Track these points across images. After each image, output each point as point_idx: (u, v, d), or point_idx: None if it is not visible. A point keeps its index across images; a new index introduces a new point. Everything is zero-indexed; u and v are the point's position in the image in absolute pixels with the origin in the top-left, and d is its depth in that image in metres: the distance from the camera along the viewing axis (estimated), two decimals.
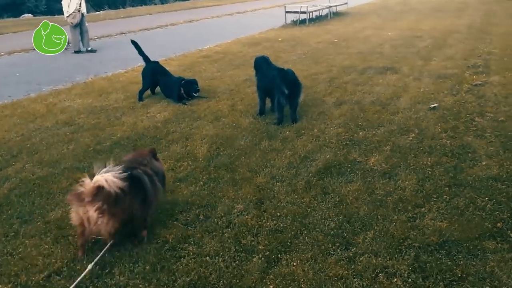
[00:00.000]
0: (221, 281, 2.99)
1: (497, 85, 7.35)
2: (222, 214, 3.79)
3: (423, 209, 3.76)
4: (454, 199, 3.88)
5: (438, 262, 3.07)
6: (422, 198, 3.93)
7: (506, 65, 8.69)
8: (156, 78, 7.52)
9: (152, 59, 7.73)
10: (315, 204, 3.89)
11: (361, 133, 5.53)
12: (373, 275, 2.97)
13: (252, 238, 3.43)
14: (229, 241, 3.41)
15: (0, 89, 8.64)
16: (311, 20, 17.88)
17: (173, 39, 14.86)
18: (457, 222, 3.53)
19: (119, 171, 3.04)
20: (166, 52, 11.82)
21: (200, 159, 4.93)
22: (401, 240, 3.33)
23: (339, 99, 6.98)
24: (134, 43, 7.54)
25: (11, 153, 5.30)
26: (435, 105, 6.41)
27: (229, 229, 3.57)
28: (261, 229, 3.54)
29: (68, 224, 3.70)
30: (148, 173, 3.44)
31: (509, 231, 3.38)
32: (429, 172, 4.41)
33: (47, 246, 3.44)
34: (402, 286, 2.88)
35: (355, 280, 2.94)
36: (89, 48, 12.58)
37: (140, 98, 7.39)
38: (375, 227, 3.51)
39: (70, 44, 12.42)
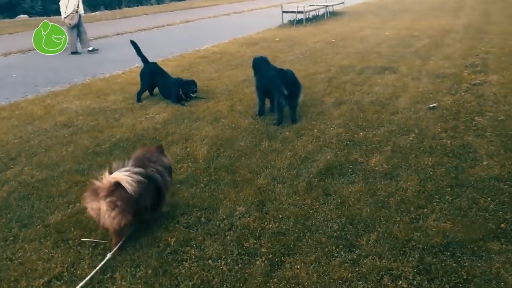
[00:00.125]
0: (225, 285, 2.96)
1: (496, 84, 7.35)
2: (224, 217, 3.76)
3: (425, 210, 3.74)
4: (457, 200, 3.87)
5: (443, 264, 3.05)
6: (424, 199, 3.91)
7: (504, 64, 8.69)
8: (154, 79, 7.48)
9: (149, 60, 7.68)
10: (317, 206, 3.86)
11: (361, 133, 5.51)
12: (378, 277, 2.95)
13: (255, 241, 3.40)
14: (231, 244, 3.39)
15: None
16: (308, 19, 17.86)
17: (170, 40, 14.81)
18: (460, 223, 3.51)
19: (136, 172, 3.21)
20: (163, 53, 11.77)
21: (200, 161, 4.90)
22: (405, 242, 3.31)
23: (338, 99, 6.96)
24: (133, 43, 7.49)
25: (10, 155, 5.25)
26: (434, 104, 6.39)
27: (231, 232, 3.54)
28: (263, 232, 3.52)
29: (68, 228, 3.69)
30: (159, 170, 3.58)
31: None
32: (431, 173, 4.39)
33: (47, 251, 3.40)
34: None
35: (360, 283, 2.92)
36: (90, 49, 12.48)
37: (139, 99, 7.36)
38: (378, 229, 3.49)
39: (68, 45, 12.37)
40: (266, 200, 4.01)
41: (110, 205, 3.12)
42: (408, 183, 4.19)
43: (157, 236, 3.53)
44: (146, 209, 3.44)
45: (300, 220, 3.65)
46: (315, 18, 18.59)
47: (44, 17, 22.28)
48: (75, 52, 12.31)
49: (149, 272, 3.11)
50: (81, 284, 2.99)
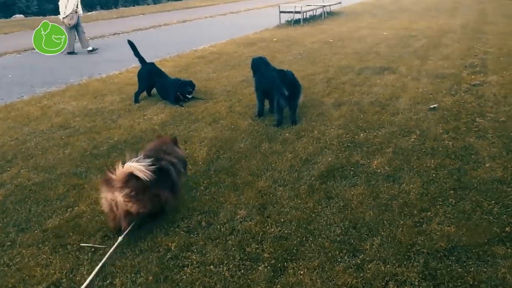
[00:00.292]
0: None
1: (495, 85, 7.32)
2: (225, 221, 3.70)
3: (429, 213, 3.70)
4: (460, 203, 3.82)
5: (449, 269, 3.00)
6: (427, 202, 3.86)
7: (503, 65, 8.67)
8: (152, 80, 7.41)
9: (146, 60, 7.61)
10: (319, 209, 3.81)
11: (362, 134, 5.47)
12: (383, 283, 2.90)
13: (257, 246, 3.35)
14: (233, 249, 3.33)
15: None
16: (305, 20, 17.82)
17: (167, 40, 14.72)
18: (464, 227, 3.47)
19: (149, 162, 3.30)
20: (160, 53, 11.69)
21: (200, 163, 4.84)
22: (409, 246, 3.26)
23: (338, 100, 6.91)
24: (130, 43, 7.42)
25: (6, 158, 5.17)
26: (435, 105, 6.36)
27: (232, 236, 3.48)
28: (265, 236, 3.46)
29: (67, 232, 3.62)
30: (173, 162, 3.67)
31: None
32: (433, 175, 4.34)
33: (45, 256, 3.33)
34: None
35: None
36: (89, 49, 12.34)
37: (136, 100, 7.28)
38: (382, 233, 3.44)
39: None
40: (268, 204, 3.95)
41: (127, 196, 3.23)
42: (411, 186, 4.14)
43: (157, 241, 3.47)
44: (161, 198, 3.51)
45: (302, 224, 3.60)
46: (313, 18, 18.55)
47: (40, 17, 22.17)
48: (71, 52, 12.21)
49: (150, 278, 3.05)
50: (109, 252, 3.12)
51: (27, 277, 3.11)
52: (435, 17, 17.57)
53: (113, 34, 16.07)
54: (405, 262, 3.09)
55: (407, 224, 3.55)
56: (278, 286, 2.92)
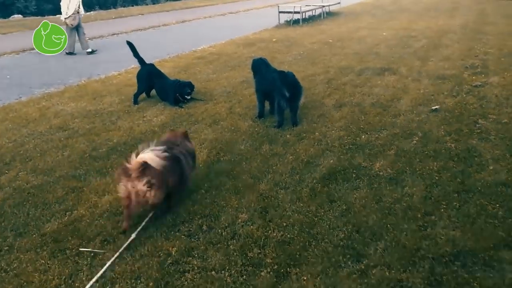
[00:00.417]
0: None
1: (497, 86, 7.28)
2: (226, 225, 3.65)
3: (433, 217, 3.65)
4: (464, 206, 3.77)
5: (454, 275, 2.95)
6: (431, 206, 3.81)
7: (504, 66, 8.63)
8: (151, 81, 7.34)
9: (146, 60, 7.54)
10: (322, 213, 3.76)
11: (363, 136, 5.42)
12: None
13: (259, 251, 3.29)
14: (234, 254, 3.27)
15: None
16: (305, 20, 17.76)
17: (166, 40, 14.65)
18: (469, 231, 3.42)
19: (161, 151, 3.50)
20: (159, 53, 11.63)
21: (200, 165, 4.78)
22: (414, 251, 3.22)
23: (339, 101, 6.86)
24: (129, 44, 7.36)
25: (4, 160, 5.11)
26: (436, 107, 6.31)
27: (234, 241, 3.43)
28: (267, 241, 3.41)
29: (65, 237, 3.57)
30: (183, 153, 3.85)
31: None
32: (436, 178, 4.30)
33: (43, 261, 3.27)
34: None
35: None
36: (89, 50, 12.23)
37: (135, 102, 7.23)
38: (386, 237, 3.39)
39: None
40: (269, 207, 3.90)
41: (147, 184, 3.37)
42: (414, 189, 4.10)
43: (157, 245, 3.41)
44: (170, 185, 3.64)
45: (305, 228, 3.54)
46: (312, 19, 18.50)
47: (39, 17, 22.09)
48: (70, 53, 12.12)
49: (150, 284, 2.99)
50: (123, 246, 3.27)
51: (25, 283, 3.06)
52: (435, 17, 17.54)
53: (112, 35, 15.99)
54: (410, 268, 3.04)
55: (411, 228, 3.50)
56: None
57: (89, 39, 13.60)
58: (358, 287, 2.88)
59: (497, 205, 3.77)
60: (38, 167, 4.91)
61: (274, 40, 13.38)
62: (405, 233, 3.43)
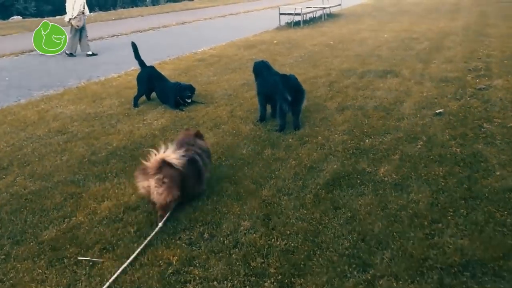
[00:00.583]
0: None
1: (501, 89, 7.19)
2: (228, 232, 3.56)
3: (440, 225, 3.56)
4: (472, 214, 3.69)
5: (464, 286, 2.87)
6: (438, 213, 3.73)
7: (507, 68, 8.55)
8: (152, 83, 7.26)
9: (146, 62, 7.46)
10: (326, 221, 3.67)
11: (367, 140, 5.34)
12: None
13: (262, 260, 3.21)
14: (237, 263, 3.19)
15: None
16: (305, 22, 17.68)
17: (167, 42, 14.57)
18: (478, 240, 3.33)
19: (180, 153, 3.63)
20: (160, 55, 11.55)
21: None
22: (421, 261, 3.13)
23: (341, 104, 6.78)
24: (133, 45, 7.26)
25: (1, 165, 5.02)
26: (440, 110, 6.22)
27: (236, 250, 3.34)
28: (271, 250, 3.32)
29: (64, 245, 3.48)
30: (198, 152, 3.98)
31: None
32: (442, 184, 4.21)
33: (40, 271, 3.18)
34: None
35: None
36: (89, 53, 12.12)
37: (136, 104, 7.14)
38: (392, 246, 3.31)
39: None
40: (272, 214, 3.81)
41: (158, 182, 3.49)
42: (420, 195, 4.01)
43: (157, 254, 3.33)
44: (189, 187, 3.80)
45: (309, 237, 3.46)
46: (312, 20, 18.42)
47: (38, 18, 21.98)
48: (71, 54, 12.02)
49: None
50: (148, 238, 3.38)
51: None
52: (436, 19, 17.47)
53: (112, 36, 15.91)
54: (418, 278, 2.95)
55: (418, 236, 3.41)
56: None
57: (89, 40, 13.52)
58: None
59: (506, 212, 3.68)
60: (36, 172, 4.82)
61: (275, 42, 13.31)
62: (412, 241, 3.35)
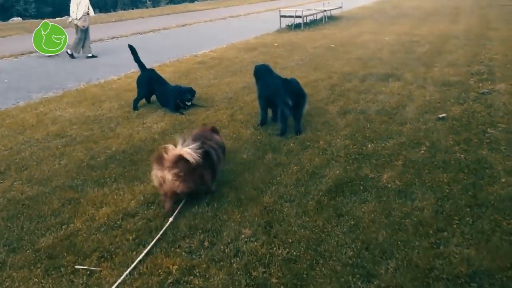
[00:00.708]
0: None
1: (504, 93, 7.13)
2: (229, 241, 3.48)
3: (445, 233, 3.49)
4: (478, 222, 3.62)
5: None
6: (443, 221, 3.65)
7: (510, 72, 8.49)
8: (152, 86, 7.19)
9: (145, 64, 7.39)
10: (329, 229, 3.60)
11: (369, 145, 5.26)
12: None
13: (264, 269, 3.13)
14: (238, 273, 3.11)
15: None
16: (306, 24, 17.63)
17: (167, 44, 14.49)
18: (484, 249, 3.26)
19: (197, 147, 3.77)
20: (160, 58, 11.48)
21: None
22: (427, 271, 3.05)
23: (343, 108, 6.71)
24: (131, 48, 7.20)
25: None
26: (443, 115, 6.15)
27: (237, 259, 3.27)
28: (272, 259, 3.24)
29: (61, 253, 3.41)
30: (213, 147, 4.11)
31: None
32: (447, 191, 4.14)
33: (36, 280, 3.11)
34: None
35: None
36: (89, 55, 12.05)
37: (135, 107, 7.07)
38: (397, 255, 3.23)
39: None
40: (274, 221, 3.73)
41: (175, 175, 3.68)
42: (424, 202, 3.94)
43: (157, 262, 3.25)
44: (203, 181, 3.95)
45: (311, 245, 3.38)
46: (313, 23, 18.37)
47: (38, 20, 21.91)
48: (71, 55, 11.94)
49: None
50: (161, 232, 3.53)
51: None
52: (436, 22, 17.42)
53: (112, 38, 15.84)
54: None
55: (423, 245, 3.34)
56: None
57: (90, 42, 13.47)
58: None
59: None
60: (34, 176, 4.74)
61: (275, 44, 13.25)
62: (417, 251, 3.27)
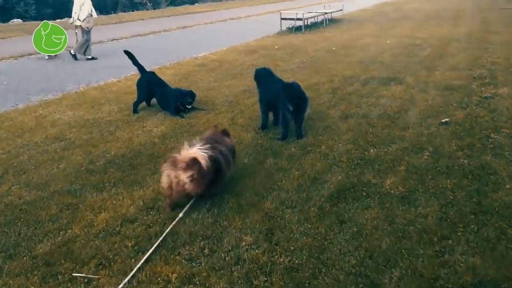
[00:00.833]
0: None
1: (507, 98, 7.07)
2: (230, 248, 3.42)
3: (450, 241, 3.43)
4: (483, 230, 3.55)
5: None
6: (447, 228, 3.59)
7: None
8: (152, 89, 7.13)
9: (145, 67, 7.33)
10: (332, 236, 3.53)
11: (372, 150, 5.20)
12: None
13: (265, 278, 3.07)
14: (239, 281, 3.05)
15: None
16: (307, 27, 17.59)
17: (167, 46, 14.44)
18: (490, 258, 3.20)
19: (208, 151, 3.85)
20: (160, 60, 11.43)
21: None
22: (432, 280, 2.99)
23: (345, 112, 6.66)
24: (128, 53, 7.15)
25: None
26: (446, 119, 6.10)
27: (238, 267, 3.20)
28: (274, 267, 3.18)
29: (58, 259, 3.35)
30: (223, 151, 4.16)
31: None
32: (451, 197, 4.08)
33: None
34: None
35: None
36: (89, 57, 12.00)
37: (135, 111, 7.01)
38: (401, 264, 3.17)
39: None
40: (275, 228, 3.67)
41: (190, 177, 3.74)
42: (428, 209, 3.87)
43: (156, 270, 3.19)
44: (212, 185, 4.05)
45: (314, 253, 3.32)
46: (314, 26, 18.32)
47: (38, 21, 21.87)
48: (74, 56, 11.86)
49: None
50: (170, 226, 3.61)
51: None
52: (438, 25, 17.37)
53: (112, 40, 15.78)
54: None
55: (427, 253, 3.27)
56: None
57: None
58: None
59: None
60: (32, 180, 4.68)
61: (276, 47, 13.20)
62: (421, 259, 3.21)
